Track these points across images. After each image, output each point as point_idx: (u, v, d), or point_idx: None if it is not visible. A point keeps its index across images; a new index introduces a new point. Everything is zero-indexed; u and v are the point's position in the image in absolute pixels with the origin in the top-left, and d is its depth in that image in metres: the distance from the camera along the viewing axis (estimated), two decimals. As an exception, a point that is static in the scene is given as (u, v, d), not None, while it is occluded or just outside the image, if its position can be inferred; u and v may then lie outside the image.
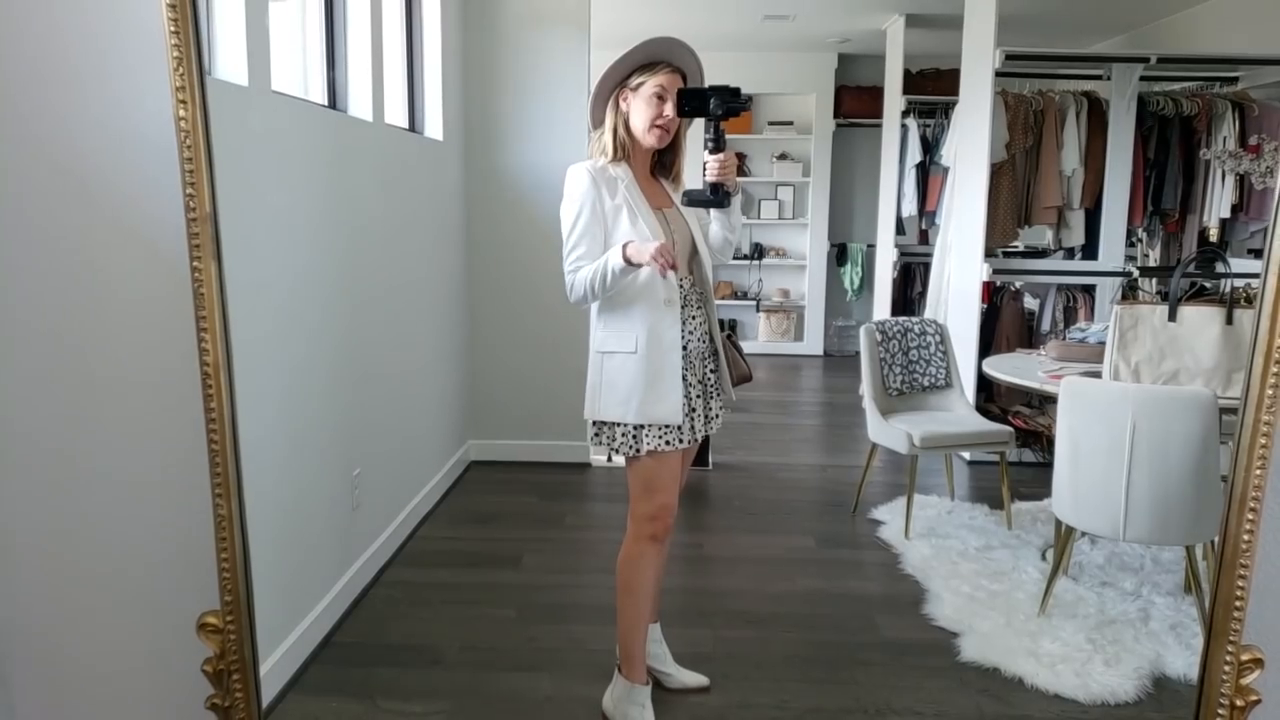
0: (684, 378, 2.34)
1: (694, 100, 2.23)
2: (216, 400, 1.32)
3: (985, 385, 5.02)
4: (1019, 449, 4.82)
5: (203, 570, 1.41)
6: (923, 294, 6.79)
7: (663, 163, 2.45)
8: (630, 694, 2.43)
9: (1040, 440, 4.99)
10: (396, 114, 4.00)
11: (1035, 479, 4.61)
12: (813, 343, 8.35)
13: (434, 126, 4.29)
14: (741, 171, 7.93)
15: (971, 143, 4.95)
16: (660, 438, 2.32)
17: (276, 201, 2.57)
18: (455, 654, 2.84)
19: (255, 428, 2.42)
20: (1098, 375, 3.20)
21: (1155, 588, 3.24)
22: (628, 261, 2.19)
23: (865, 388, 4.10)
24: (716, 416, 2.48)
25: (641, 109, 2.30)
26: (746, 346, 8.14)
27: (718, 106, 2.20)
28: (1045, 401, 4.75)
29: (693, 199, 2.34)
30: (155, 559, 1.60)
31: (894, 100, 6.45)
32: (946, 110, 6.15)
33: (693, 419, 2.38)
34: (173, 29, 1.28)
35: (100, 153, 1.57)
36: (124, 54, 1.55)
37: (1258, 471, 1.48)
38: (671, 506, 2.40)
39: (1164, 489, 2.74)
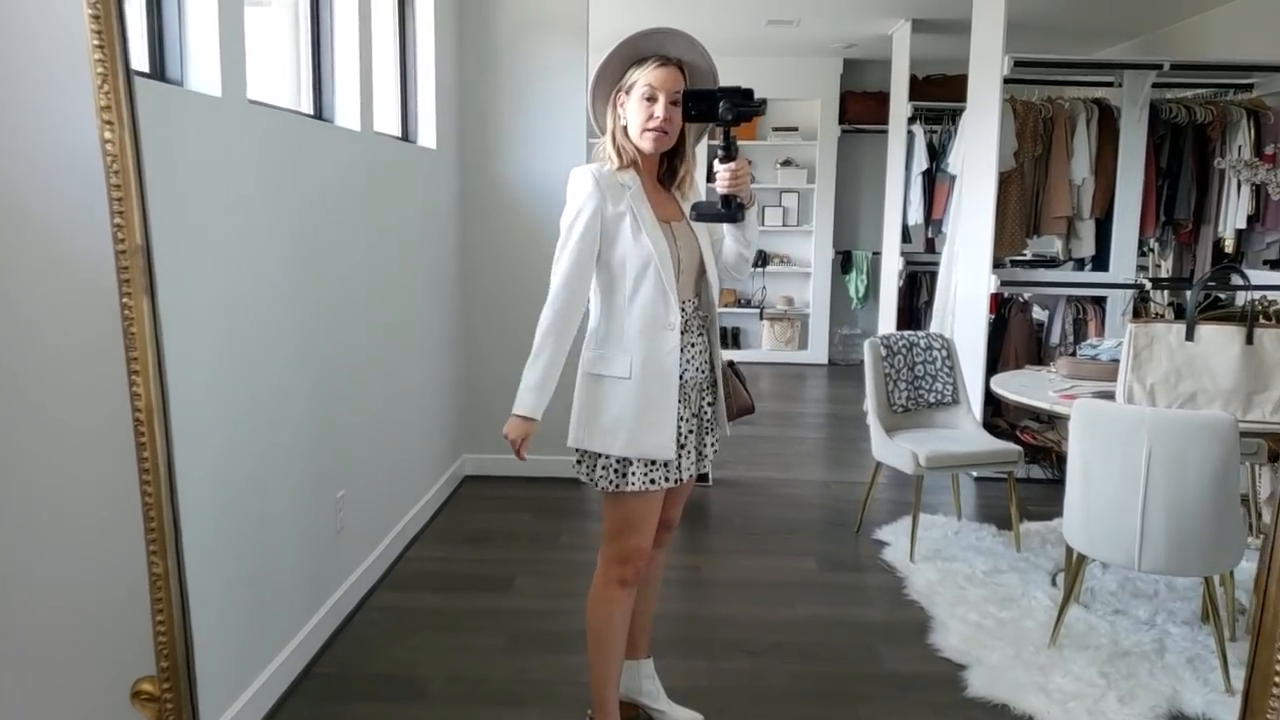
0: (681, 417, 2.19)
1: (701, 103, 1.99)
2: (150, 449, 1.20)
3: (993, 399, 4.89)
4: (1027, 465, 4.69)
5: (140, 632, 1.29)
6: (929, 303, 6.67)
7: (670, 170, 2.24)
8: None
9: (1049, 456, 4.87)
10: (388, 123, 3.89)
11: (1044, 496, 4.49)
12: (817, 351, 8.23)
13: (427, 135, 4.18)
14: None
15: (979, 150, 4.83)
16: (646, 475, 2.16)
17: (253, 215, 2.46)
18: (440, 686, 2.72)
19: (229, 457, 2.32)
20: (1111, 395, 3.07)
21: (1170, 616, 3.12)
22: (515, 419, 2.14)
23: (869, 404, 3.98)
24: (709, 454, 2.33)
25: (634, 111, 2.11)
26: (749, 355, 8.08)
27: (728, 110, 1.94)
28: (1054, 416, 4.63)
29: (702, 213, 2.12)
30: (88, 619, 1.47)
31: (900, 106, 6.34)
32: (953, 116, 6.04)
33: (681, 456, 2.21)
34: (96, 41, 1.16)
35: (22, 177, 1.44)
36: (46, 67, 1.42)
37: (1303, 536, 1.36)
38: (644, 550, 2.24)
39: (1181, 518, 2.61)
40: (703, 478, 4.53)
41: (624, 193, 2.13)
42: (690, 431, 2.23)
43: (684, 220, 2.21)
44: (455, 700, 2.65)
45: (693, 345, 2.22)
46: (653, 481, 2.17)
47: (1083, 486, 2.79)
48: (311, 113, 3.14)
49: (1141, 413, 2.65)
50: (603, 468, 2.18)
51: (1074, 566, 2.93)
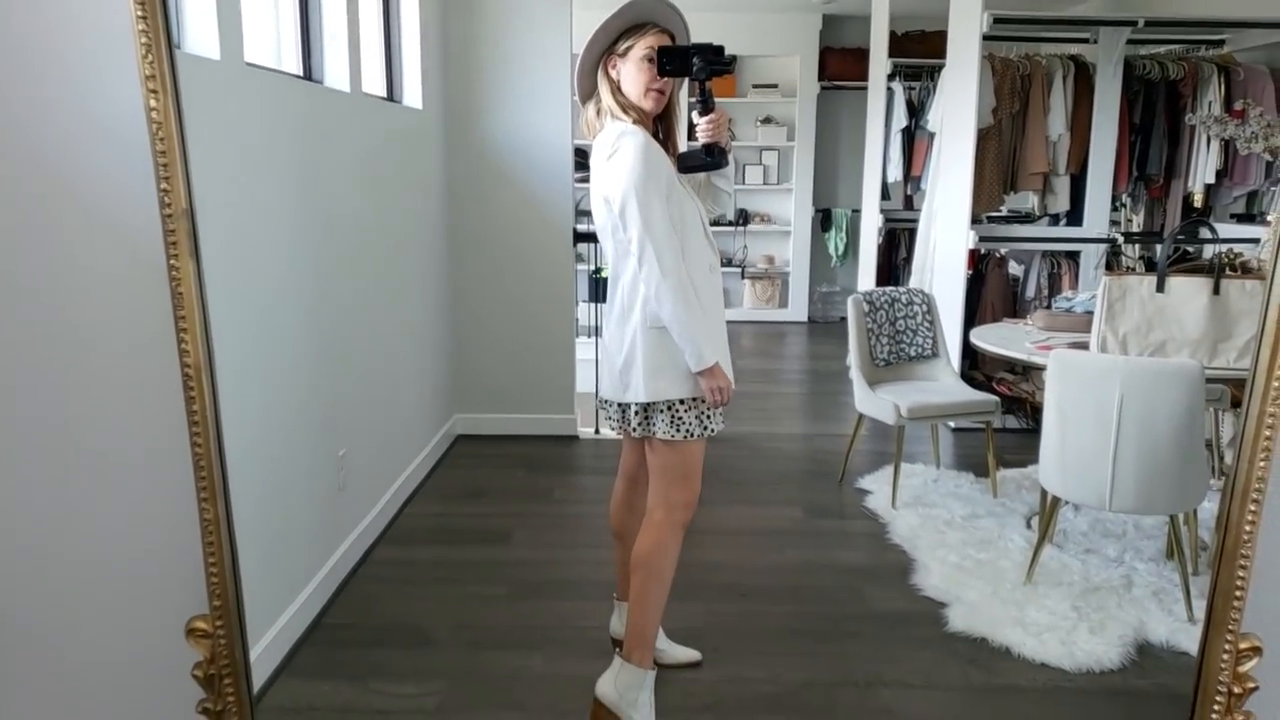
0: None
1: (675, 60, 2.13)
2: (199, 402, 1.29)
3: (970, 352, 5.02)
4: (1003, 415, 4.84)
5: (191, 573, 1.38)
6: (908, 260, 6.78)
7: (659, 130, 2.33)
8: (642, 680, 2.36)
9: (1024, 407, 5.02)
10: (374, 83, 3.93)
11: (1019, 445, 4.64)
12: (797, 309, 8.34)
13: (413, 95, 4.21)
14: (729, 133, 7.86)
15: (958, 107, 4.92)
16: (721, 417, 2.31)
17: (251, 178, 2.52)
18: (446, 633, 2.84)
19: (238, 416, 2.40)
20: (1085, 346, 3.20)
21: (1138, 554, 3.28)
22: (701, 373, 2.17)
23: (852, 358, 4.10)
24: None
25: (633, 74, 2.21)
26: (731, 314, 8.16)
27: (702, 68, 2.11)
28: (1029, 368, 4.77)
29: (688, 164, 2.26)
30: (142, 563, 1.57)
31: (879, 63, 6.39)
32: (933, 73, 6.10)
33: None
34: (140, 11, 1.22)
35: (70, 145, 1.50)
36: (89, 39, 1.48)
37: (1261, 463, 1.48)
38: (699, 493, 2.40)
39: (1150, 460, 2.76)
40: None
41: (658, 148, 2.23)
42: None
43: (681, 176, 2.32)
44: (462, 646, 2.77)
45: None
46: (723, 420, 2.33)
47: (1058, 433, 2.93)
48: (300, 74, 3.17)
49: (1114, 361, 2.78)
50: (697, 415, 2.27)
51: (1048, 509, 3.08)
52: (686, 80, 2.25)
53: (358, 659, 2.70)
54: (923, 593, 3.08)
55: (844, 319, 8.20)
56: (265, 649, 2.57)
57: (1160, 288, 2.96)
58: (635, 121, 2.22)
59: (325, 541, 3.06)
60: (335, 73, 3.28)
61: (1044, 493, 3.25)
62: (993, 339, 3.51)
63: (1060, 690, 2.53)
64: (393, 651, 2.74)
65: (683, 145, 2.40)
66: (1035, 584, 3.06)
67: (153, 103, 1.27)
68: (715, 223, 2.53)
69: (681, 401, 2.25)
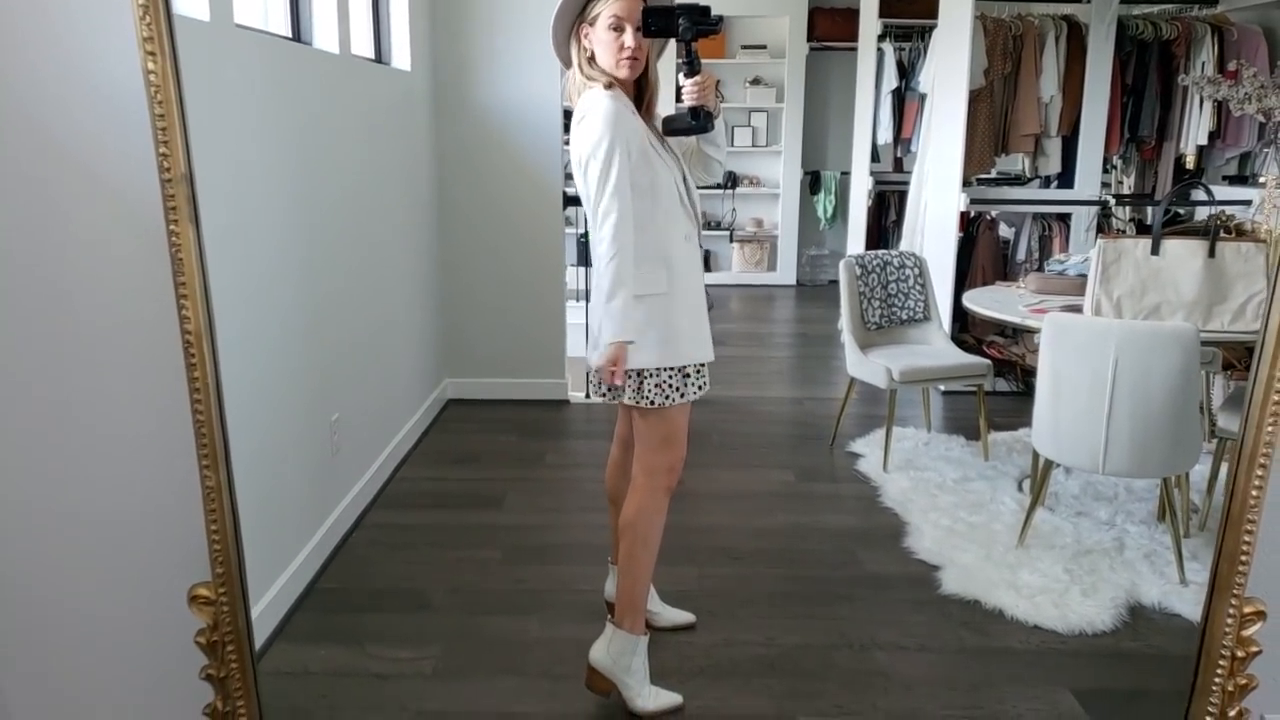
0: None
1: (659, 20, 2.07)
2: (200, 369, 1.26)
3: (960, 315, 5.03)
4: (993, 379, 4.85)
5: (193, 541, 1.37)
6: (897, 223, 6.77)
7: (637, 95, 2.26)
8: (634, 646, 2.36)
9: (1014, 370, 5.04)
10: (362, 44, 3.85)
11: (1010, 408, 4.66)
12: (786, 273, 8.32)
13: (401, 56, 4.14)
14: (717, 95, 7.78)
15: (950, 69, 4.87)
16: (698, 383, 2.29)
17: (242, 142, 2.47)
18: (442, 598, 2.84)
19: (232, 383, 2.36)
20: (1078, 309, 3.20)
21: (1129, 516, 3.30)
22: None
23: (844, 322, 4.09)
24: None
25: (604, 41, 2.14)
26: (719, 278, 8.15)
27: (687, 28, 2.06)
28: (1019, 331, 4.78)
29: (673, 127, 2.23)
30: (144, 530, 1.55)
31: (869, 23, 6.32)
32: (923, 34, 6.05)
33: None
34: (137, -28, 1.18)
35: (67, 111, 1.46)
36: (85, 1, 1.43)
37: (1269, 428, 1.48)
38: (684, 456, 2.37)
39: (1144, 423, 2.77)
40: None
41: (630, 112, 2.18)
42: None
43: (663, 142, 2.26)
44: (458, 609, 2.77)
45: (695, 255, 2.32)
46: (701, 388, 2.30)
47: (1052, 396, 2.93)
48: (289, 35, 3.11)
49: (1109, 324, 2.78)
50: (658, 384, 2.24)
51: (1041, 472, 3.09)
52: (674, 41, 2.19)
53: (353, 623, 2.70)
54: (915, 556, 3.10)
55: (833, 282, 8.24)
56: (260, 614, 2.56)
57: (1155, 250, 2.95)
58: (608, 86, 2.16)
59: (319, 506, 3.05)
60: (324, 34, 3.21)
61: (1036, 456, 3.27)
62: (985, 302, 3.51)
63: (1053, 652, 2.55)
64: (388, 616, 2.74)
65: (670, 109, 2.36)
66: (1027, 547, 3.08)
67: (151, 66, 1.23)
68: (704, 188, 2.44)
69: (641, 371, 2.22)
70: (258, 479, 2.56)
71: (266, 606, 2.60)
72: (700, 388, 2.31)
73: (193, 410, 1.30)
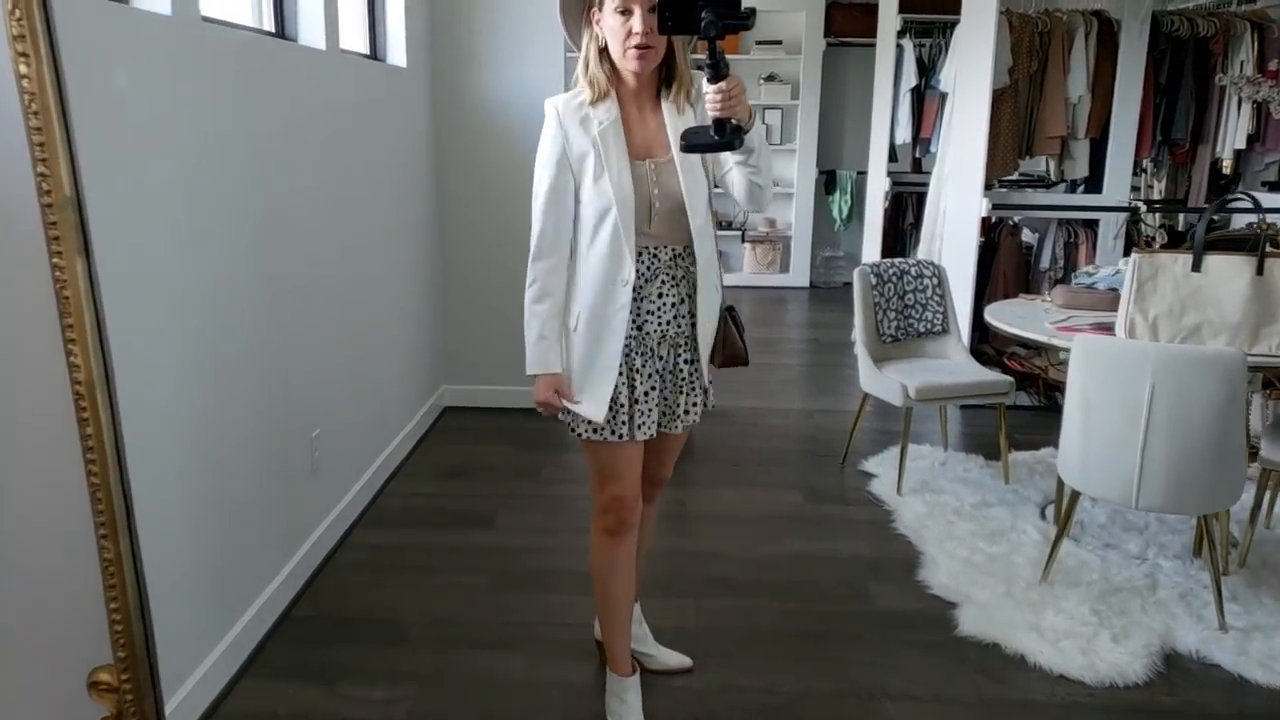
0: (635, 367, 2.06)
1: (677, 12, 1.70)
2: (93, 425, 1.07)
3: (979, 325, 4.81)
4: (1014, 392, 4.63)
5: (96, 619, 1.18)
6: (915, 225, 6.54)
7: (667, 91, 2.00)
8: (613, 685, 2.25)
9: (1036, 383, 4.82)
10: (355, 40, 3.67)
11: (1031, 424, 4.44)
12: (799, 274, 8.10)
13: (396, 52, 3.95)
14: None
15: (973, 67, 4.64)
16: (589, 424, 2.06)
17: (208, 148, 2.28)
18: (422, 630, 2.66)
19: (189, 404, 2.19)
20: (1109, 326, 2.99)
21: (1162, 550, 3.09)
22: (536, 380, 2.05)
23: (858, 334, 3.88)
24: (688, 413, 2.15)
25: (610, 27, 1.89)
26: (730, 279, 7.90)
27: (711, 23, 1.67)
28: (1047, 347, 4.56)
29: (692, 143, 1.86)
30: (39, 607, 1.35)
31: (889, 18, 6.08)
32: (944, 30, 5.82)
33: (638, 413, 2.07)
34: (0, -47, 0.98)
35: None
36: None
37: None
38: (625, 500, 2.13)
39: (1183, 456, 2.55)
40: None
41: (591, 126, 1.96)
42: (653, 388, 2.09)
43: (670, 156, 1.98)
44: (437, 643, 2.59)
45: (661, 296, 2.05)
46: (595, 431, 2.06)
47: (1081, 422, 2.72)
48: (273, 30, 2.93)
49: (1145, 348, 2.57)
50: (564, 412, 2.10)
51: (1067, 503, 2.88)
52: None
53: (326, 657, 2.52)
54: (930, 590, 2.89)
55: (847, 285, 7.99)
56: (230, 643, 2.40)
57: (1196, 267, 2.73)
58: (596, 100, 1.96)
59: (296, 529, 2.87)
60: (310, 29, 3.03)
61: (1060, 483, 3.06)
62: (1009, 317, 3.29)
63: (1081, 707, 2.34)
64: (363, 648, 2.56)
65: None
66: (1051, 583, 2.87)
67: (23, 69, 1.02)
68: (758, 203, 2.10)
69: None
70: (222, 503, 2.39)
71: (234, 639, 2.43)
72: (595, 430, 2.06)
73: (86, 472, 1.10)
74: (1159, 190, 5.55)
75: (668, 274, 2.04)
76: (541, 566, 3.04)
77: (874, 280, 3.84)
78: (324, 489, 3.08)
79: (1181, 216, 5.32)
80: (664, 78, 1.99)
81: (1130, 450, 2.60)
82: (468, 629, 2.67)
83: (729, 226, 8.05)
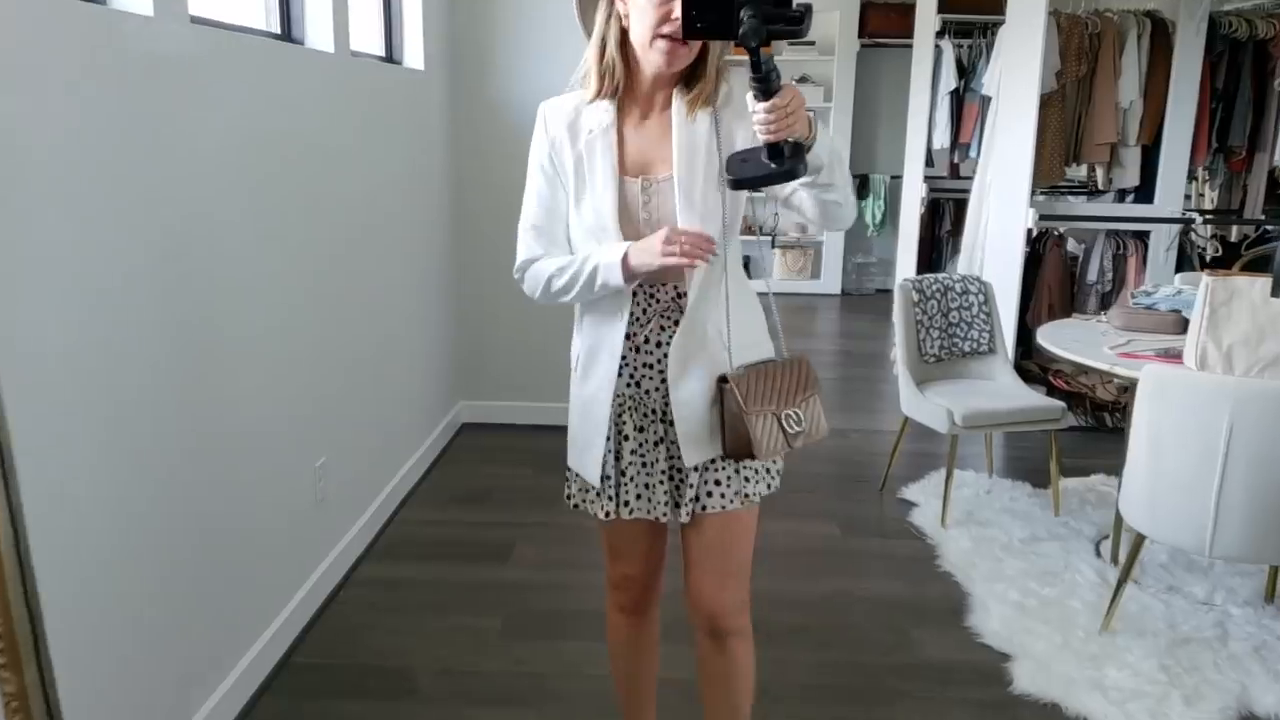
0: (625, 432, 1.69)
1: (709, 11, 1.31)
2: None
3: (1024, 338, 4.58)
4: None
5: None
6: (952, 232, 6.30)
7: (688, 92, 1.59)
8: None
9: (1084, 403, 4.57)
10: (370, 42, 3.49)
11: (1079, 446, 4.20)
12: (830, 281, 7.88)
13: (414, 55, 3.77)
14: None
15: (1018, 70, 4.40)
16: (582, 493, 1.76)
17: (198, 158, 2.10)
18: (430, 680, 2.47)
19: (171, 443, 2.01)
20: (1175, 353, 2.75)
21: (1230, 595, 2.85)
22: (630, 276, 1.56)
23: (898, 353, 3.65)
24: (708, 496, 1.69)
25: (642, 10, 1.49)
26: (758, 285, 7.69)
27: (753, 27, 1.27)
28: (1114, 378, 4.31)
29: (741, 177, 1.45)
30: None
31: (927, 18, 5.83)
32: (986, 30, 5.57)
33: (626, 488, 1.70)
34: None
35: None
36: None
37: None
38: (633, 579, 1.85)
39: (1264, 501, 2.32)
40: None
41: (579, 133, 1.63)
42: (650, 462, 1.70)
43: (671, 174, 1.59)
44: (446, 697, 2.40)
45: (660, 347, 1.65)
46: (577, 505, 1.78)
47: (1149, 461, 2.49)
48: (279, 33, 2.75)
49: (1224, 382, 2.33)
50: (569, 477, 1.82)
51: (1131, 547, 2.64)
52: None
53: (325, 711, 2.34)
54: (980, 639, 2.67)
55: (880, 291, 7.77)
56: (224, 696, 2.22)
57: (1276, 291, 2.49)
58: (597, 96, 1.62)
59: (297, 566, 2.69)
60: (318, 31, 2.85)
61: (1119, 518, 2.84)
62: (1064, 340, 3.05)
63: (1154, 783, 2.12)
64: (365, 704, 2.37)
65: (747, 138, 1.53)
66: (1113, 633, 2.64)
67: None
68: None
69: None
70: (215, 545, 2.21)
71: (227, 693, 2.25)
72: (621, 508, 1.70)
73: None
74: (1210, 200, 5.28)
75: (659, 319, 1.66)
76: (559, 607, 2.84)
77: (916, 297, 3.61)
78: (329, 520, 2.91)
79: (1234, 228, 5.06)
80: (685, 74, 1.59)
81: (1204, 493, 2.37)
82: (479, 680, 2.47)
83: (760, 231, 7.80)
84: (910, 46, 6.18)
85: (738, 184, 1.48)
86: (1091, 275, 4.80)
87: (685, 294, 1.63)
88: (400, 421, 3.60)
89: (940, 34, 5.77)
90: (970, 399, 3.40)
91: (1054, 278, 4.79)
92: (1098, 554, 3.14)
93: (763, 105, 1.35)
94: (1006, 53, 4.63)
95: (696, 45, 1.54)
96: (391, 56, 3.70)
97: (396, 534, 3.32)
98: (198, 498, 2.13)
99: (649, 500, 1.71)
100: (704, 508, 1.70)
